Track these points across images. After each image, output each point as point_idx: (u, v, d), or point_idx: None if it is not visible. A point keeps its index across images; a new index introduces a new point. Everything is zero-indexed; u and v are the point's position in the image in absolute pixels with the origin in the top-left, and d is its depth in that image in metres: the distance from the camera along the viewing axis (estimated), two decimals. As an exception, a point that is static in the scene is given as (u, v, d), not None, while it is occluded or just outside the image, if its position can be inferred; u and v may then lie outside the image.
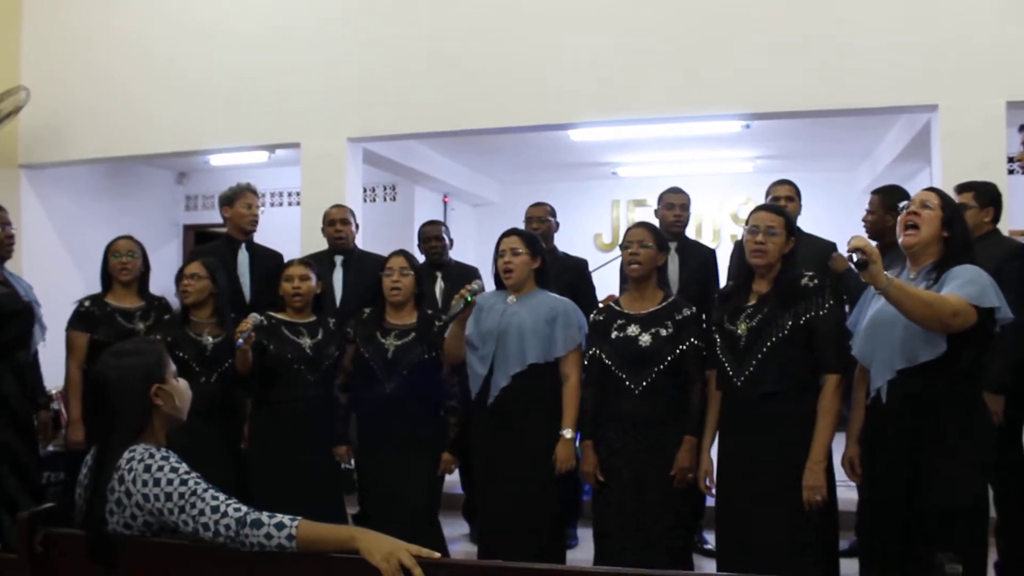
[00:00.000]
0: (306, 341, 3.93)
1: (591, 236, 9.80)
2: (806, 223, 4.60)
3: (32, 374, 4.11)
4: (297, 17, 6.15)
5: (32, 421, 4.00)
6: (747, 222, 3.33)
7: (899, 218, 3.02)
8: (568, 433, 3.57)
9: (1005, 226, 4.11)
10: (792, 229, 3.29)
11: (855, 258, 2.75)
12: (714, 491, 3.37)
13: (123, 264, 4.22)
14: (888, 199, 4.33)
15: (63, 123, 6.67)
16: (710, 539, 4.49)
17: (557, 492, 3.62)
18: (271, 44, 6.18)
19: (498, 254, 3.74)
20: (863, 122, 6.52)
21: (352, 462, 4.01)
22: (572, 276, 4.74)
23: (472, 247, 9.43)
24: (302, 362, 3.88)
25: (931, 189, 3.03)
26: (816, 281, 3.18)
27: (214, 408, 3.85)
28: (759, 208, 3.36)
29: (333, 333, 4.02)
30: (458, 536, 4.91)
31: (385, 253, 4.07)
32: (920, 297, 2.75)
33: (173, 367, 2.25)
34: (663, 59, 5.41)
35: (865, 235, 4.45)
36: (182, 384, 2.27)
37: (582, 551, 4.51)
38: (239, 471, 3.99)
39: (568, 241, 5.60)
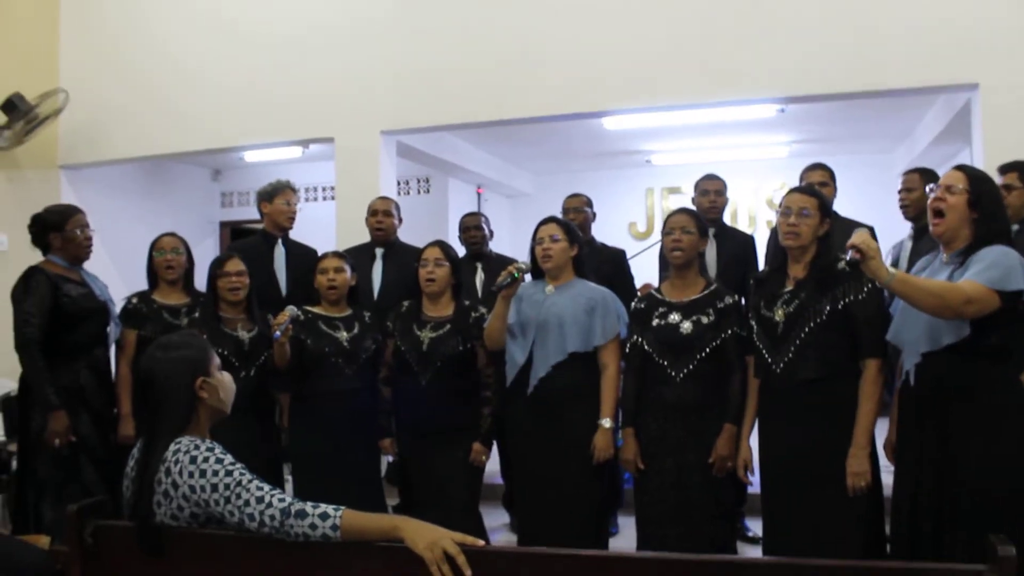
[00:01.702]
0: (343, 335, 3.95)
1: (626, 225, 9.78)
2: (843, 207, 4.57)
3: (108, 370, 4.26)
4: (327, 12, 6.18)
5: (109, 415, 4.17)
6: (780, 205, 3.29)
7: (928, 203, 2.96)
8: (607, 422, 3.57)
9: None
10: (827, 211, 3.25)
11: (849, 255, 2.73)
12: (753, 479, 3.35)
13: (168, 261, 4.26)
14: (927, 177, 4.27)
15: (100, 124, 6.76)
16: (753, 527, 4.47)
17: (597, 481, 3.62)
18: (302, 40, 6.21)
19: (536, 241, 3.73)
20: (900, 103, 6.42)
21: (395, 455, 4.02)
22: (611, 267, 4.72)
23: (507, 238, 9.43)
24: (340, 355, 3.90)
25: (959, 167, 2.94)
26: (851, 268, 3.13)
27: (252, 402, 3.87)
28: (792, 190, 3.33)
29: (369, 326, 4.03)
30: (499, 526, 4.92)
31: (420, 245, 4.08)
32: (927, 288, 2.71)
33: (217, 360, 2.28)
34: (695, 44, 5.36)
35: (904, 215, 4.41)
36: (226, 377, 2.29)
37: (624, 539, 4.51)
38: (276, 465, 4.04)
39: (603, 230, 5.58)
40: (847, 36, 5.06)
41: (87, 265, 4.28)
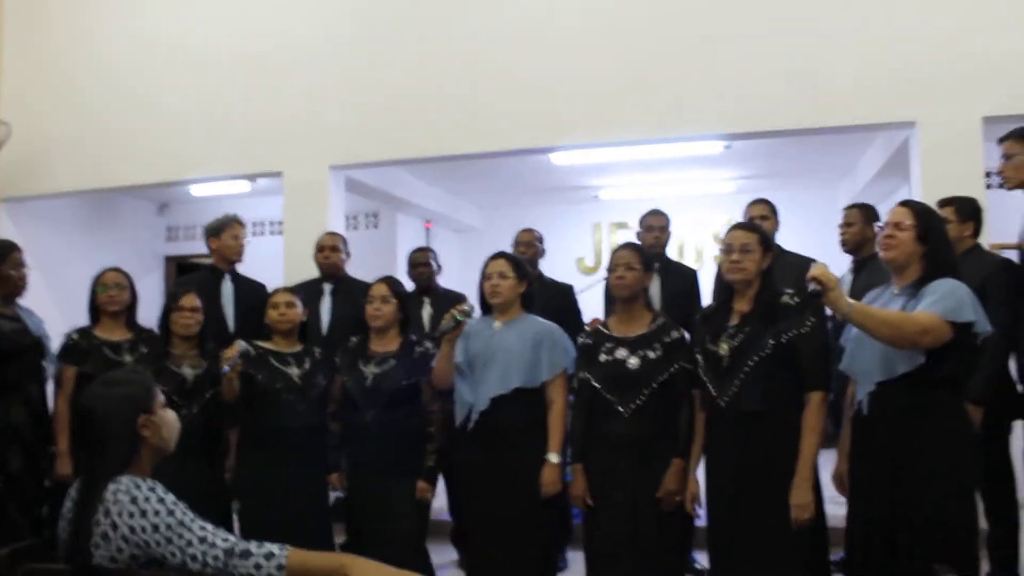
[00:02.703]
0: (294, 371, 3.92)
1: (574, 260, 9.82)
2: (788, 241, 4.65)
3: (43, 408, 4.16)
4: (277, 46, 6.17)
5: (43, 453, 4.06)
6: (723, 242, 3.35)
7: (878, 240, 3.04)
8: (554, 457, 3.56)
9: (984, 240, 4.14)
10: (768, 245, 3.31)
11: (811, 287, 2.79)
12: (700, 513, 3.36)
13: (111, 297, 4.19)
14: (867, 212, 4.39)
15: (43, 155, 6.65)
16: (700, 559, 4.47)
17: (546, 516, 3.60)
18: (251, 73, 6.20)
19: (484, 277, 3.73)
20: (842, 140, 6.58)
21: (344, 491, 3.98)
22: (559, 301, 4.74)
23: (455, 273, 9.42)
24: (291, 391, 3.87)
25: (905, 203, 3.04)
26: (797, 299, 3.17)
27: (196, 440, 3.80)
28: (733, 227, 3.38)
29: (320, 362, 4.01)
30: (446, 563, 4.87)
31: (368, 280, 4.08)
32: (884, 319, 2.79)
33: (162, 398, 2.24)
34: (644, 81, 5.45)
35: (843, 248, 4.52)
36: (170, 415, 2.25)
37: (573, 574, 4.49)
38: (222, 503, 3.97)
39: (551, 265, 5.61)
40: (791, 75, 5.20)
41: (26, 300, 4.19)
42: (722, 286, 3.40)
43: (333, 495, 4.06)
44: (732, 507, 3.19)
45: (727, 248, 3.27)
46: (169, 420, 2.24)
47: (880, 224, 3.09)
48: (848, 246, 4.52)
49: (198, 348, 4.01)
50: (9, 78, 6.86)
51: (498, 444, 3.59)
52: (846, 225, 4.52)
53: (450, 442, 3.83)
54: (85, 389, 2.22)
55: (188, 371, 3.92)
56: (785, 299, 3.18)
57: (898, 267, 2.98)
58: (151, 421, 2.16)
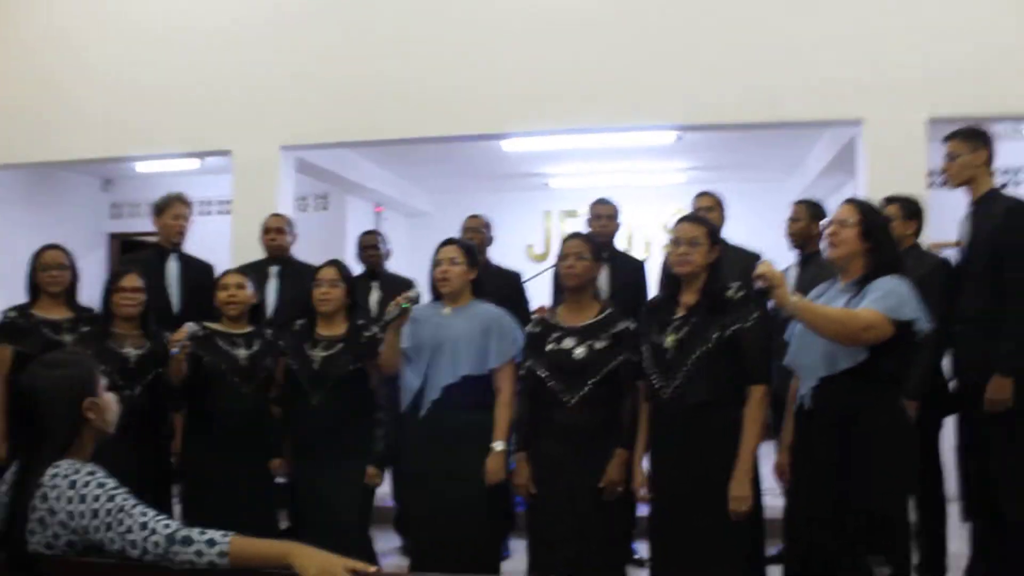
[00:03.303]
0: (241, 352, 3.88)
1: (523, 247, 9.81)
2: (737, 233, 4.71)
3: None
4: (229, 22, 6.06)
5: None
6: (670, 234, 3.38)
7: (823, 237, 3.10)
8: (499, 445, 3.57)
9: (924, 239, 4.23)
10: (715, 238, 3.34)
11: (757, 285, 2.84)
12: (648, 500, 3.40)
13: (52, 277, 4.09)
14: (813, 209, 4.47)
15: (-18, 124, 6.46)
16: (640, 549, 4.52)
17: (490, 504, 3.61)
18: (203, 48, 6.08)
19: (435, 263, 3.73)
20: (792, 135, 6.66)
21: (286, 476, 3.95)
22: (506, 289, 4.75)
23: (405, 257, 9.37)
24: (236, 374, 3.83)
25: (851, 201, 3.11)
26: (742, 293, 3.21)
27: (138, 421, 3.74)
28: (680, 219, 3.40)
29: (270, 344, 3.97)
30: (390, 549, 4.86)
31: (316, 263, 4.04)
32: (828, 315, 2.86)
33: (104, 380, 2.20)
34: (596, 69, 5.46)
35: (790, 243, 4.58)
36: (111, 398, 2.21)
37: (516, 562, 4.50)
38: (163, 486, 3.93)
39: (500, 252, 5.61)
40: (743, 69, 5.25)
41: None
42: (668, 278, 3.42)
43: (278, 480, 4.04)
44: (673, 498, 3.23)
45: (675, 241, 3.30)
46: (111, 403, 2.20)
47: (825, 221, 3.14)
48: (794, 240, 4.60)
49: (141, 328, 3.94)
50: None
51: (444, 431, 3.59)
52: (792, 220, 4.60)
53: (396, 428, 3.82)
54: (25, 370, 2.15)
55: (131, 351, 3.85)
56: (730, 292, 3.21)
57: (843, 264, 3.04)
58: (96, 404, 2.12)
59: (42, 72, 6.37)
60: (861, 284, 2.95)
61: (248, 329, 3.98)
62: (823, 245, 3.12)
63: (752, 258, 4.42)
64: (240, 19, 6.06)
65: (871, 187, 4.88)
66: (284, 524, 4.08)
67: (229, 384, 3.82)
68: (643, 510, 3.51)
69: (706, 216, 3.79)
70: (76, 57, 6.33)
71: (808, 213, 4.51)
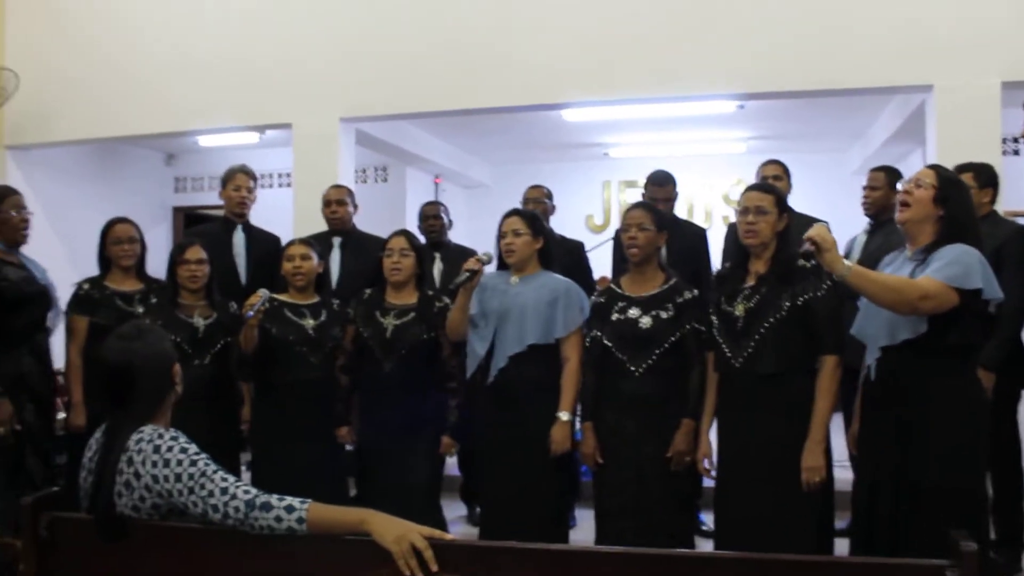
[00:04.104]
0: (309, 322, 3.91)
1: (583, 217, 9.79)
2: (797, 203, 4.59)
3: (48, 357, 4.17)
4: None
5: (51, 402, 4.10)
6: (738, 204, 3.32)
7: (896, 196, 3.01)
8: (565, 415, 3.57)
9: (1000, 207, 4.12)
10: (784, 207, 3.28)
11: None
12: (713, 473, 3.37)
13: (123, 250, 4.19)
14: (893, 176, 4.34)
15: (50, 103, 6.58)
16: (707, 520, 4.50)
17: (558, 474, 3.62)
18: (262, 22, 6.12)
19: (500, 234, 3.71)
20: (857, 102, 6.51)
21: (353, 444, 3.99)
22: (569, 259, 4.72)
23: (464, 228, 9.40)
24: (304, 344, 3.86)
25: (931, 167, 3.00)
26: (813, 261, 3.14)
27: (207, 391, 3.83)
28: (749, 188, 3.36)
29: (337, 314, 3.99)
30: (456, 518, 4.91)
31: (377, 235, 4.05)
32: (883, 283, 2.77)
33: None
34: (658, 38, 5.38)
35: (864, 211, 4.47)
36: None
37: (581, 532, 4.52)
38: (233, 454, 3.99)
39: (560, 222, 5.55)
40: (807, 35, 5.13)
41: (31, 249, 4.18)
42: (737, 247, 3.38)
43: (347, 448, 4.08)
44: (743, 468, 3.20)
45: (742, 210, 3.25)
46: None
47: (903, 181, 3.04)
48: (871, 210, 4.42)
49: (206, 299, 4.02)
50: (15, 25, 6.77)
51: (511, 400, 3.60)
52: (871, 188, 4.41)
53: (466, 397, 3.84)
54: (111, 340, 2.19)
55: (199, 321, 3.93)
56: (801, 261, 3.15)
57: (912, 230, 2.93)
58: (178, 372, 2.19)
59: (105, 50, 6.48)
60: (928, 252, 2.84)
61: (314, 299, 4.00)
62: (897, 204, 3.01)
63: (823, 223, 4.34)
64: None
65: (942, 155, 4.75)
66: (352, 492, 4.13)
67: (297, 354, 3.85)
68: (709, 481, 3.48)
69: (773, 185, 3.73)
70: (138, 34, 6.41)
71: (887, 180, 4.36)
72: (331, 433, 3.91)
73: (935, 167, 2.99)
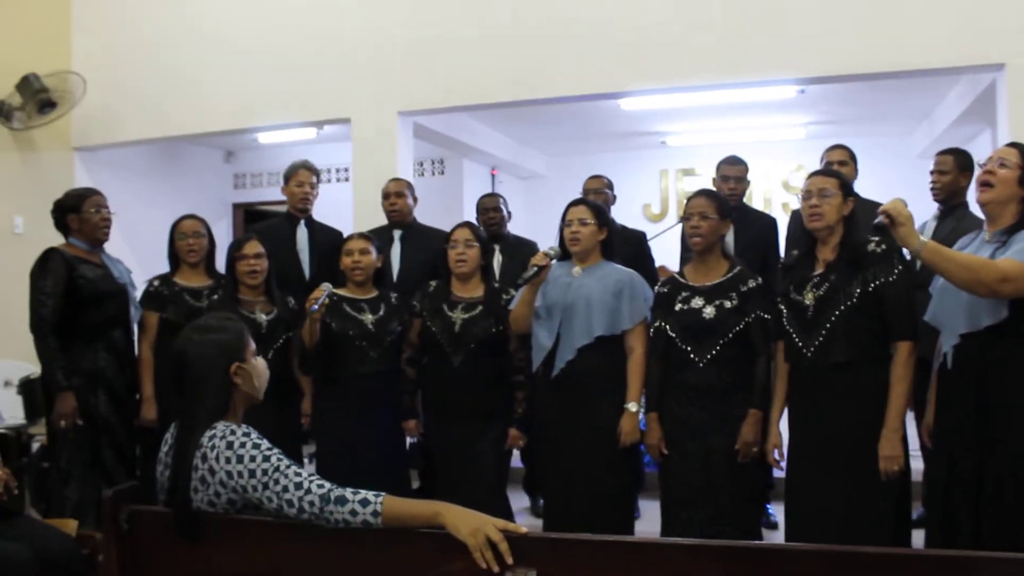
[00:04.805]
0: (368, 317, 3.92)
1: (640, 207, 9.72)
2: (860, 188, 4.49)
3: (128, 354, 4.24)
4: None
5: (130, 398, 4.15)
6: (801, 190, 3.26)
7: (976, 176, 2.92)
8: (632, 406, 3.54)
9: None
10: (849, 190, 3.21)
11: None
12: (783, 464, 3.32)
13: (190, 246, 4.26)
14: (962, 159, 4.23)
15: (114, 105, 6.72)
16: (775, 512, 4.45)
17: (624, 464, 3.60)
18: (318, 19, 6.17)
19: (564, 224, 3.69)
20: (921, 83, 6.33)
21: (419, 436, 4.00)
22: (631, 249, 4.67)
23: (521, 219, 9.38)
24: (364, 338, 3.87)
25: (1013, 145, 2.90)
26: (884, 246, 3.07)
27: (269, 385, 3.84)
28: (812, 173, 3.29)
29: (396, 308, 4.00)
30: (520, 509, 4.90)
31: (435, 227, 4.04)
32: (960, 262, 2.67)
33: (253, 346, 2.25)
34: (714, 24, 5.31)
35: (933, 196, 4.36)
36: (260, 363, 2.27)
37: (646, 523, 4.49)
38: (295, 448, 4.04)
39: (617, 212, 5.47)
40: (869, 15, 5.00)
41: (110, 249, 4.27)
42: (803, 234, 3.32)
43: (408, 441, 4.10)
44: (816, 459, 3.14)
45: (806, 194, 3.19)
46: (260, 368, 2.26)
47: (983, 160, 2.93)
48: (940, 195, 4.30)
49: (266, 295, 4.05)
50: (81, 32, 6.92)
51: (576, 392, 3.58)
52: (940, 172, 4.29)
53: (532, 389, 3.83)
54: (179, 335, 2.23)
55: (261, 316, 3.97)
56: (871, 246, 3.09)
57: (994, 211, 2.84)
58: (242, 369, 2.18)
59: (166, 54, 6.60)
60: (1010, 233, 2.75)
61: (373, 294, 4.02)
62: (976, 187, 2.91)
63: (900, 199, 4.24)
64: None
65: (1014, 136, 4.59)
66: (415, 484, 4.15)
67: (357, 349, 3.87)
68: (779, 473, 3.43)
69: (837, 170, 3.65)
70: (197, 37, 6.51)
71: (956, 164, 4.25)
72: (393, 426, 3.93)
73: (1018, 145, 2.88)
